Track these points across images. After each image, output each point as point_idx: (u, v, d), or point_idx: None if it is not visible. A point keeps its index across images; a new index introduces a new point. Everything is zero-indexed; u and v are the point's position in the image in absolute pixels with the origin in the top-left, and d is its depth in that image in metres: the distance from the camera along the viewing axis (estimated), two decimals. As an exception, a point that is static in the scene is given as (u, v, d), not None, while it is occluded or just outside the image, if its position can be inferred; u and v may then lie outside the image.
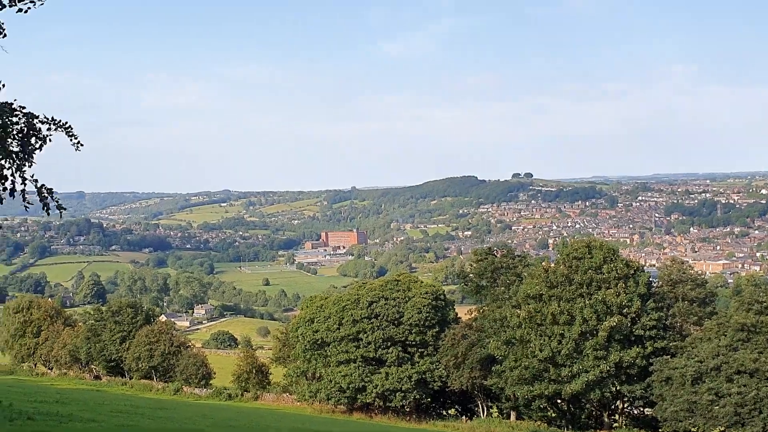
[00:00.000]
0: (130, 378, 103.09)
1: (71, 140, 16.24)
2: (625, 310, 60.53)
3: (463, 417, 73.99)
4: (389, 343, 74.67)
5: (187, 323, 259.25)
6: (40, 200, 15.99)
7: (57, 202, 16.16)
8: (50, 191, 15.96)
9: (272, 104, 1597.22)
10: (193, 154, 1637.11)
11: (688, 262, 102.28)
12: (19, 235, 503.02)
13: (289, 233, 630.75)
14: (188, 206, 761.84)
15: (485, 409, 73.94)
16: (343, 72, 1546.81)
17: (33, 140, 15.68)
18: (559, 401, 68.01)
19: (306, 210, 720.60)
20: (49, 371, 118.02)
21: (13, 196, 15.61)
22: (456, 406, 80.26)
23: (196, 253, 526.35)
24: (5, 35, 14.80)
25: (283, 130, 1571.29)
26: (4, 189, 15.46)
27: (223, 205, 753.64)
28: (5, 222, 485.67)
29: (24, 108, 15.62)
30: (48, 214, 16.24)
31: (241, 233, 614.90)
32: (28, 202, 15.87)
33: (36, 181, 15.76)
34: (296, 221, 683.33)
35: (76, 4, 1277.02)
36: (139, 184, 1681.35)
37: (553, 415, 70.25)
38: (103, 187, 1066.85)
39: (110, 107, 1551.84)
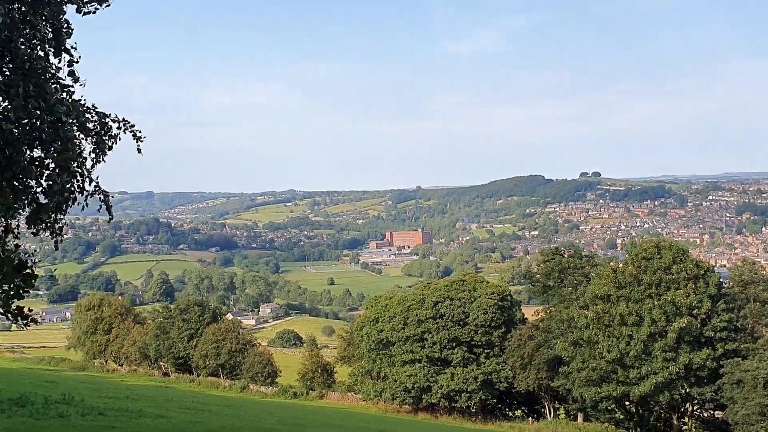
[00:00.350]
0: (198, 375, 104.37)
1: (136, 143, 16.47)
2: (694, 311, 59.45)
3: (530, 418, 73.44)
4: (454, 344, 74.60)
5: (253, 322, 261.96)
6: (104, 203, 16.20)
7: (109, 206, 16.35)
8: (105, 193, 16.17)
9: (337, 104, 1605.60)
10: (259, 154, 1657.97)
11: (759, 262, 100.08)
12: (90, 234, 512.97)
13: (353, 233, 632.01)
14: (254, 206, 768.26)
15: (552, 410, 73.35)
16: (408, 71, 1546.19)
17: (106, 139, 15.93)
18: (627, 403, 67.09)
19: (370, 210, 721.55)
20: (119, 368, 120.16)
21: (82, 194, 15.83)
22: (522, 407, 79.73)
23: (262, 253, 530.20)
24: (70, 34, 14.99)
25: (347, 130, 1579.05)
26: (79, 189, 15.70)
27: (288, 204, 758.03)
28: (77, 221, 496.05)
29: (96, 107, 15.87)
30: (110, 216, 16.44)
31: (306, 233, 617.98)
32: (86, 204, 16.09)
33: (97, 182, 15.97)
34: (361, 221, 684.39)
35: (146, 6, 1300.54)
36: (206, 184, 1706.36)
37: (621, 417, 69.28)
38: (171, 187, 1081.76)
39: (179, 108, 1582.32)
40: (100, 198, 16.16)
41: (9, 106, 13.28)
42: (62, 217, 15.72)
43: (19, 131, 13.62)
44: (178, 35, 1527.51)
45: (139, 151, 16.56)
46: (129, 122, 16.33)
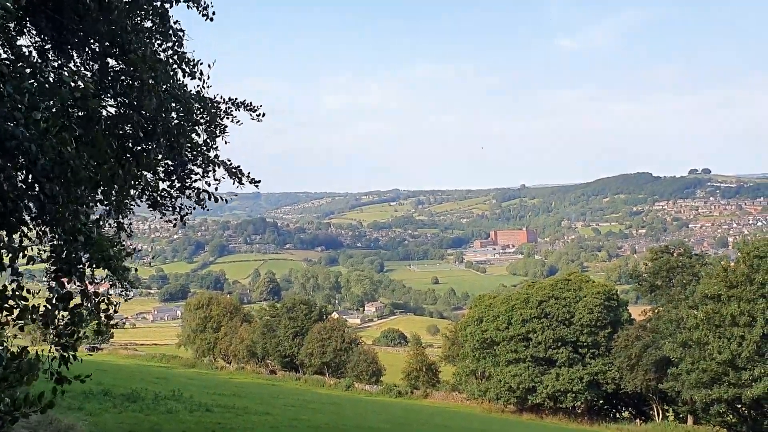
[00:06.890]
0: (304, 373, 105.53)
1: (252, 115, 16.42)
2: (811, 312, 57.18)
3: (638, 420, 72.22)
4: (559, 344, 73.93)
5: (358, 320, 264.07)
6: (237, 179, 16.17)
7: (249, 176, 16.27)
8: (239, 169, 16.18)
9: (443, 103, 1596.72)
10: (364, 154, 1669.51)
11: None
12: (200, 234, 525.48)
13: (457, 232, 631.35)
14: (358, 205, 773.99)
15: (660, 412, 71.79)
16: (517, 69, 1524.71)
17: (213, 128, 15.99)
18: (739, 406, 65.03)
19: (475, 208, 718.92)
20: (227, 365, 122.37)
21: (205, 173, 15.89)
22: (630, 409, 78.29)
23: (367, 252, 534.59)
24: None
25: (453, 129, 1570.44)
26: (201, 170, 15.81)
27: (392, 204, 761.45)
28: (187, 221, 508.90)
29: (201, 94, 15.79)
30: (258, 182, 16.21)
31: (410, 232, 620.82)
32: (234, 190, 16.22)
33: (230, 161, 16.00)
34: (465, 220, 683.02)
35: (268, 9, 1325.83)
36: (311, 185, 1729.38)
37: (733, 420, 67.16)
38: (277, 187, 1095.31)
39: (288, 111, 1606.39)
40: (231, 171, 16.05)
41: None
42: (183, 196, 15.89)
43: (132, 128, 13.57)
44: (294, 37, 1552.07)
45: (259, 119, 16.44)
46: (244, 101, 16.22)
